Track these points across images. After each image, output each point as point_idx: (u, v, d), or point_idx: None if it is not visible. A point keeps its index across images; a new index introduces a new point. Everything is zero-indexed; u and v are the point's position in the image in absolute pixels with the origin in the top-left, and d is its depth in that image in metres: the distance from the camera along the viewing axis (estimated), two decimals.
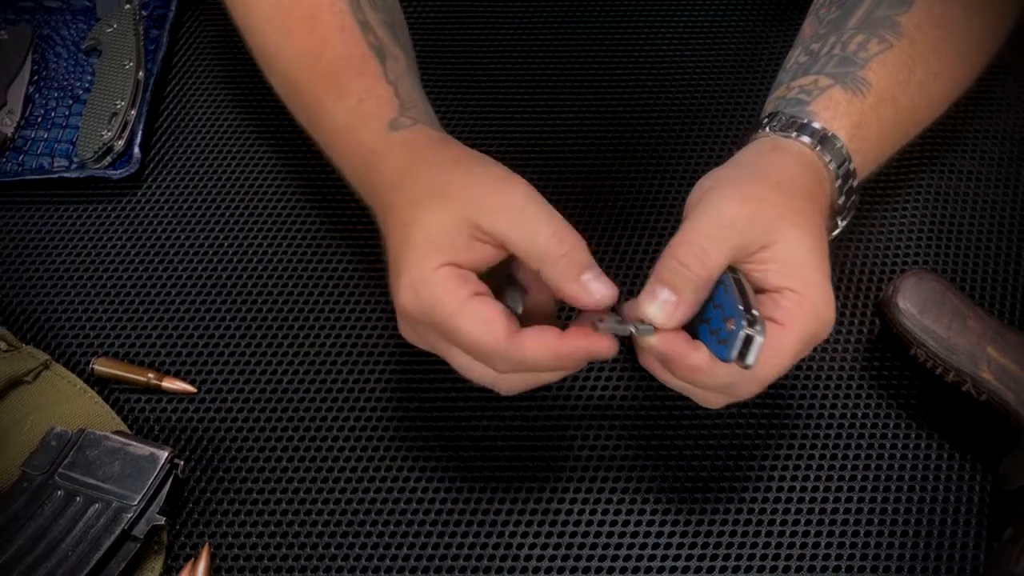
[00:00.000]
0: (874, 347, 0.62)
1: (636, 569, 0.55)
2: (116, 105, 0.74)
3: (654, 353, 0.49)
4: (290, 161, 0.73)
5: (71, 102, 0.76)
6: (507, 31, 0.79)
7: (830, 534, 0.56)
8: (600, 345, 0.48)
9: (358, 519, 0.57)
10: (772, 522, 0.56)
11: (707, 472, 0.58)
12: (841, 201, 0.56)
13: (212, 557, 0.56)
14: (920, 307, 0.57)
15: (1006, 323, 0.57)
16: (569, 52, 0.78)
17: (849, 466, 0.58)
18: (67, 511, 0.54)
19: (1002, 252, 0.66)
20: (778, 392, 0.61)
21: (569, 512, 0.57)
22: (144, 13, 0.80)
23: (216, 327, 0.65)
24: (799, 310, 0.49)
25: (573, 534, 0.57)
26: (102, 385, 0.63)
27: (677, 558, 0.56)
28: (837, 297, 0.63)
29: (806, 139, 0.55)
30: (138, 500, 0.54)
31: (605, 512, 0.57)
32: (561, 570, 0.56)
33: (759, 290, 0.50)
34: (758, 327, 0.45)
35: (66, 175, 0.72)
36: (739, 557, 0.55)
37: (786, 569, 0.55)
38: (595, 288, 0.48)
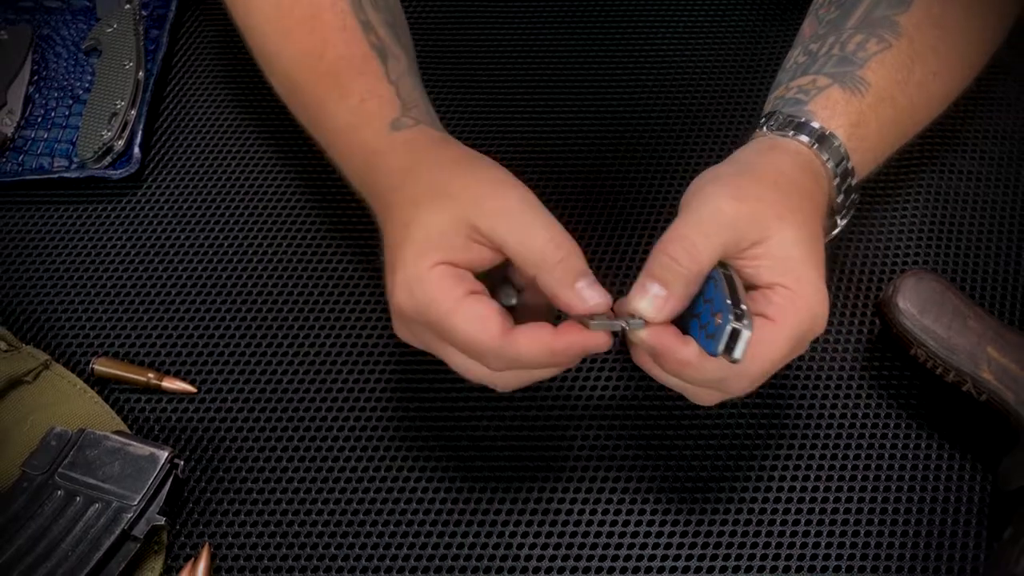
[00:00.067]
0: (874, 347, 0.62)
1: (636, 569, 0.55)
2: (116, 105, 0.74)
3: (644, 347, 0.49)
4: (290, 161, 0.73)
5: (71, 102, 0.76)
6: (507, 31, 0.79)
7: (830, 534, 0.56)
8: (594, 340, 0.48)
9: (358, 519, 0.57)
10: (772, 522, 0.56)
11: (707, 472, 0.58)
12: (840, 200, 0.56)
13: (212, 557, 0.56)
14: (920, 307, 0.57)
15: (1006, 323, 0.57)
16: (569, 52, 0.78)
17: (849, 466, 0.58)
18: (67, 511, 0.54)
19: (1002, 252, 0.66)
20: (778, 392, 0.61)
21: (569, 512, 0.57)
22: (144, 13, 0.80)
23: (216, 327, 0.65)
24: (791, 306, 0.49)
25: (573, 534, 0.57)
26: (102, 385, 0.63)
27: (677, 558, 0.56)
28: (837, 297, 0.64)
29: (804, 138, 0.55)
30: (138, 500, 0.54)
31: (605, 512, 0.57)
32: (561, 570, 0.56)
33: (752, 287, 0.50)
34: (745, 321, 0.45)
35: (66, 175, 0.72)
36: (739, 557, 0.55)
37: (786, 569, 0.55)
38: (589, 295, 0.48)
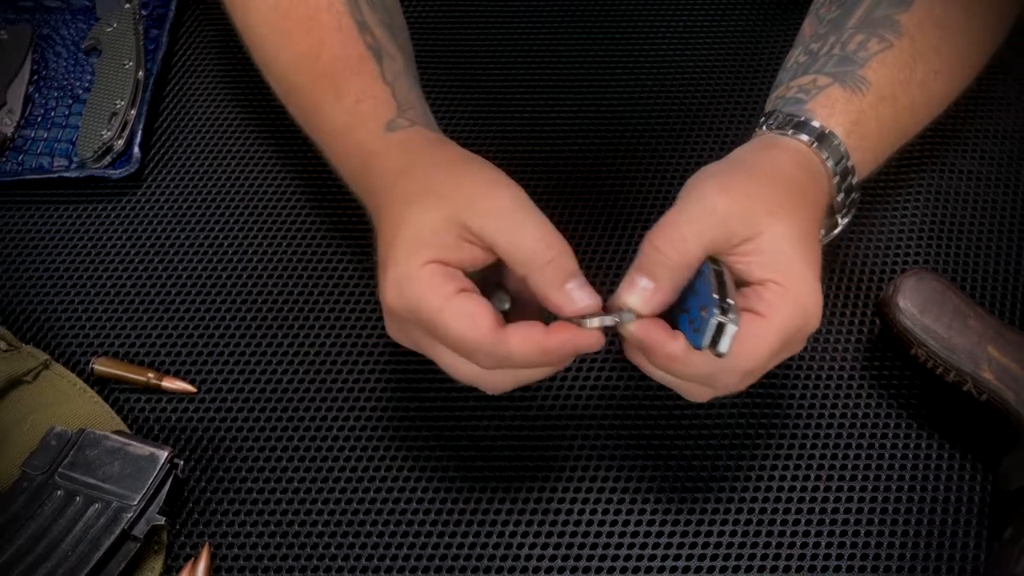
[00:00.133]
0: (874, 347, 0.62)
1: (636, 569, 0.55)
2: (116, 105, 0.74)
3: (633, 341, 0.49)
4: (290, 161, 0.73)
5: (71, 102, 0.76)
6: (506, 31, 0.79)
7: (830, 534, 0.56)
8: (587, 338, 0.48)
9: (358, 519, 0.57)
10: (772, 522, 0.56)
11: (707, 472, 0.58)
12: (840, 199, 0.56)
13: (212, 557, 0.56)
14: (921, 307, 0.57)
15: (1007, 323, 0.57)
16: (569, 52, 0.78)
17: (849, 466, 0.58)
18: (67, 511, 0.54)
19: (1003, 252, 0.66)
20: (778, 392, 0.61)
21: (569, 512, 0.57)
22: (144, 12, 0.80)
23: (216, 327, 0.65)
24: (781, 302, 0.49)
25: (573, 534, 0.57)
26: (102, 385, 0.63)
27: (677, 558, 0.56)
28: (838, 297, 0.64)
29: (803, 137, 0.55)
30: (138, 500, 0.54)
31: (605, 512, 0.57)
32: (562, 570, 0.56)
33: (744, 283, 0.50)
34: (731, 315, 0.45)
35: (66, 175, 0.72)
36: (739, 557, 0.55)
37: (786, 569, 0.55)
38: (578, 297, 0.48)
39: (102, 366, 0.62)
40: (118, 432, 0.57)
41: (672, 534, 0.56)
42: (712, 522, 0.57)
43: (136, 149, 0.72)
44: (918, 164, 0.70)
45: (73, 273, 0.68)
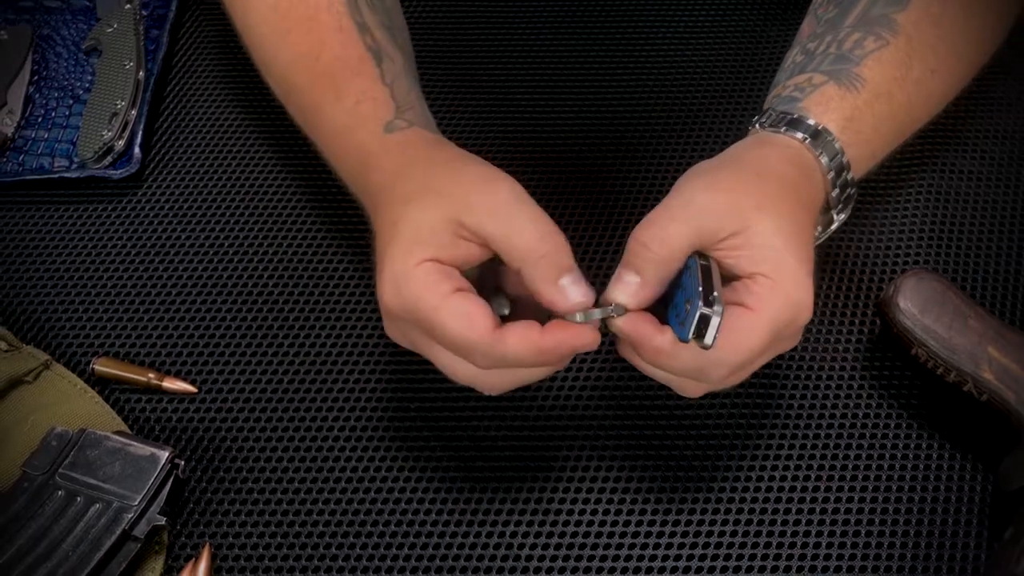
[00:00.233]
0: (875, 347, 0.62)
1: (637, 569, 0.55)
2: (116, 105, 0.74)
3: (621, 335, 0.49)
4: (291, 161, 0.73)
5: (71, 102, 0.76)
6: (507, 31, 0.79)
7: (831, 534, 0.56)
8: (581, 338, 0.48)
9: (359, 519, 0.57)
10: (773, 522, 0.56)
11: (708, 472, 0.58)
12: (835, 195, 0.56)
13: (213, 557, 0.56)
14: (921, 307, 0.57)
15: (1007, 323, 0.58)
16: (569, 52, 0.78)
17: (850, 466, 0.58)
18: (68, 511, 0.54)
19: (1003, 252, 0.66)
20: (779, 392, 0.61)
21: (570, 512, 0.57)
22: (144, 13, 0.80)
23: (217, 327, 0.65)
24: (770, 295, 0.49)
25: (574, 534, 0.57)
26: (103, 385, 0.63)
27: (678, 558, 0.56)
28: (838, 297, 0.64)
29: (797, 134, 0.55)
30: (139, 500, 0.54)
31: (606, 512, 0.57)
32: (562, 570, 0.56)
33: (733, 277, 0.50)
34: (716, 307, 0.46)
35: (66, 175, 0.72)
36: (739, 557, 0.55)
37: (787, 569, 0.55)
38: (572, 292, 0.48)
39: (103, 366, 0.62)
40: (119, 432, 0.58)
41: (672, 534, 0.56)
42: (712, 522, 0.57)
43: (137, 149, 0.72)
44: (918, 164, 0.70)
45: (74, 273, 0.68)
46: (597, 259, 0.67)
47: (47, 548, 0.53)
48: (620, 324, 0.49)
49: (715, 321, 0.45)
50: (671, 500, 0.57)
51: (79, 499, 0.55)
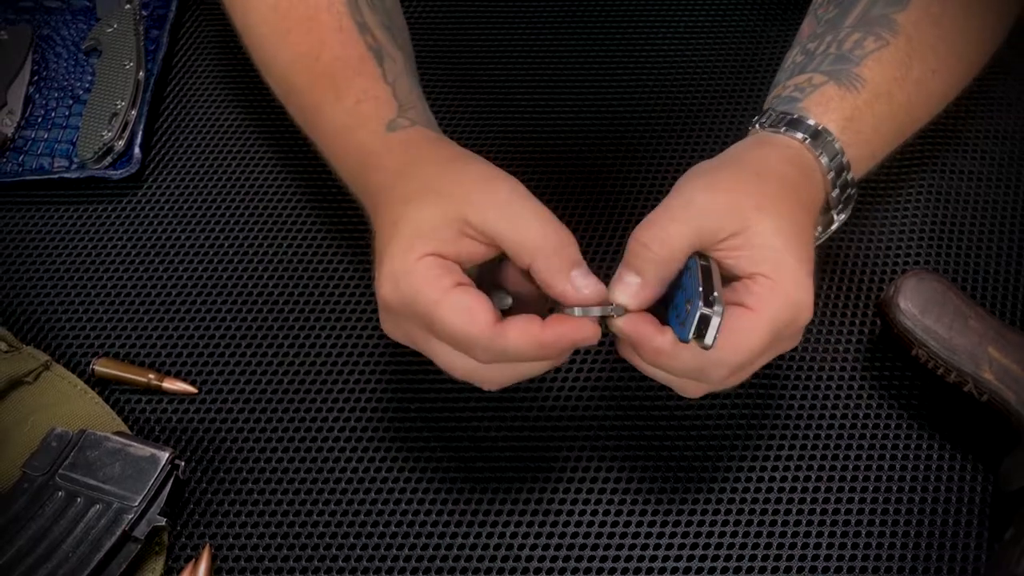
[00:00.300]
0: (875, 347, 0.62)
1: (637, 570, 0.55)
2: (116, 105, 0.74)
3: (622, 336, 0.49)
4: (291, 161, 0.73)
5: (71, 102, 0.76)
6: (507, 31, 0.79)
7: (831, 534, 0.56)
8: (582, 332, 0.48)
9: (359, 519, 0.57)
10: (773, 522, 0.56)
11: (708, 472, 0.58)
12: (835, 195, 0.56)
13: (213, 558, 0.56)
14: (921, 307, 0.57)
15: (1007, 323, 0.58)
16: (569, 52, 0.78)
17: (850, 466, 0.58)
18: (68, 512, 0.54)
19: (1003, 252, 0.66)
20: (779, 392, 0.61)
21: (570, 513, 0.57)
22: (144, 13, 0.80)
23: (217, 328, 0.65)
24: (770, 295, 0.49)
25: (574, 534, 0.57)
26: (103, 386, 0.63)
27: (678, 558, 0.56)
28: (838, 297, 0.64)
29: (797, 135, 0.55)
30: (139, 501, 0.54)
31: (606, 513, 0.57)
32: (562, 571, 0.56)
33: (733, 277, 0.50)
34: (716, 308, 0.46)
35: (66, 175, 0.72)
36: (740, 558, 0.55)
37: (787, 570, 0.55)
38: (582, 284, 0.48)
39: (103, 367, 0.62)
40: (119, 433, 0.57)
41: (673, 535, 0.56)
42: (713, 522, 0.57)
43: (136, 150, 0.72)
44: (918, 164, 0.70)
45: (74, 274, 0.68)
46: (597, 259, 0.67)
47: (47, 549, 0.53)
48: (620, 324, 0.49)
49: (715, 321, 0.45)
50: (671, 501, 0.57)
51: (79, 500, 0.55)
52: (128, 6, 0.79)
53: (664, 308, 0.50)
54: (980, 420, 0.58)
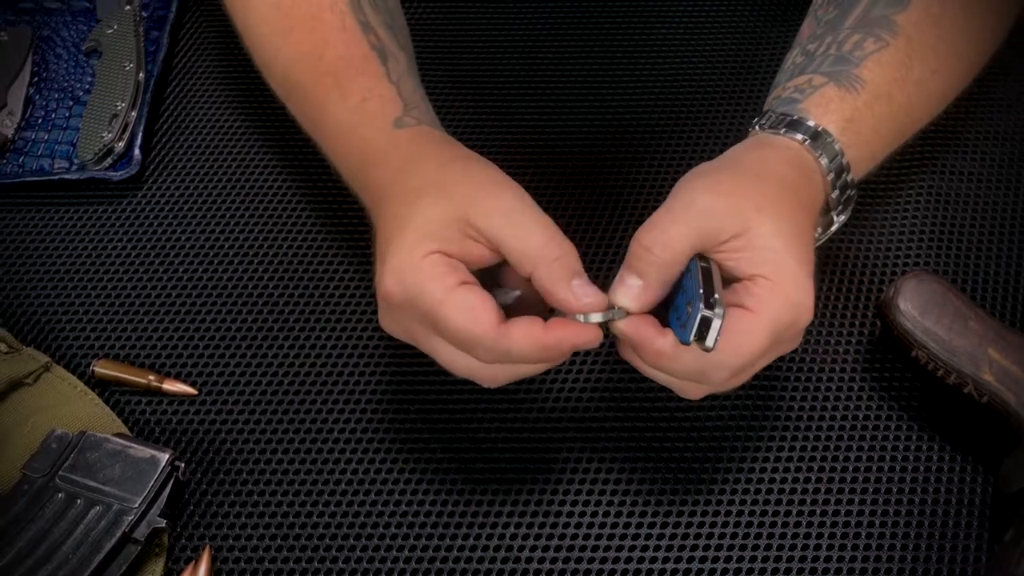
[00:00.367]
0: (875, 349, 0.62)
1: (637, 572, 0.55)
2: (116, 106, 0.74)
3: (623, 338, 0.49)
4: (291, 163, 0.73)
5: (71, 103, 0.76)
6: (507, 32, 0.79)
7: (831, 536, 0.56)
8: (584, 336, 0.48)
9: (359, 521, 0.57)
10: (773, 524, 0.56)
11: (708, 474, 0.58)
12: (835, 196, 0.56)
13: (213, 560, 0.56)
14: (921, 309, 0.57)
15: (1007, 325, 0.57)
16: (569, 53, 0.78)
17: (850, 468, 0.58)
18: (68, 514, 0.54)
19: (1003, 253, 0.66)
20: (779, 394, 0.61)
21: (570, 514, 0.57)
22: (144, 14, 0.80)
23: (217, 329, 0.65)
24: (770, 296, 0.49)
25: (574, 536, 0.57)
26: (103, 387, 0.63)
27: (678, 560, 0.56)
28: (838, 299, 0.64)
29: (797, 136, 0.55)
30: (139, 503, 0.54)
31: (606, 514, 0.57)
32: (562, 572, 0.56)
33: (734, 279, 0.50)
34: (717, 310, 0.46)
35: (66, 177, 0.72)
36: (740, 559, 0.55)
37: (787, 571, 0.55)
38: (583, 293, 0.48)
39: (103, 368, 0.62)
40: (119, 435, 0.57)
41: (673, 536, 0.56)
42: (713, 524, 0.57)
43: (136, 151, 0.72)
44: (918, 166, 0.70)
45: (74, 275, 0.68)
46: (598, 259, 0.67)
47: (47, 551, 0.53)
48: (622, 327, 0.49)
49: (716, 324, 0.45)
50: (671, 502, 0.57)
51: (79, 501, 0.55)
52: (128, 7, 0.79)
53: (664, 310, 0.50)
54: (980, 421, 0.58)
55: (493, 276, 0.53)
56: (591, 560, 0.56)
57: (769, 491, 0.58)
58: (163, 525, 0.55)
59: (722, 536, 0.56)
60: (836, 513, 0.57)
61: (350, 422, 0.61)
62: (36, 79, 0.78)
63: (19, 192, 0.72)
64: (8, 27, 0.80)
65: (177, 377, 0.63)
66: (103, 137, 0.72)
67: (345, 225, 0.69)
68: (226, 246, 0.69)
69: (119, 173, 0.72)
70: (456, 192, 0.50)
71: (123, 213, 0.71)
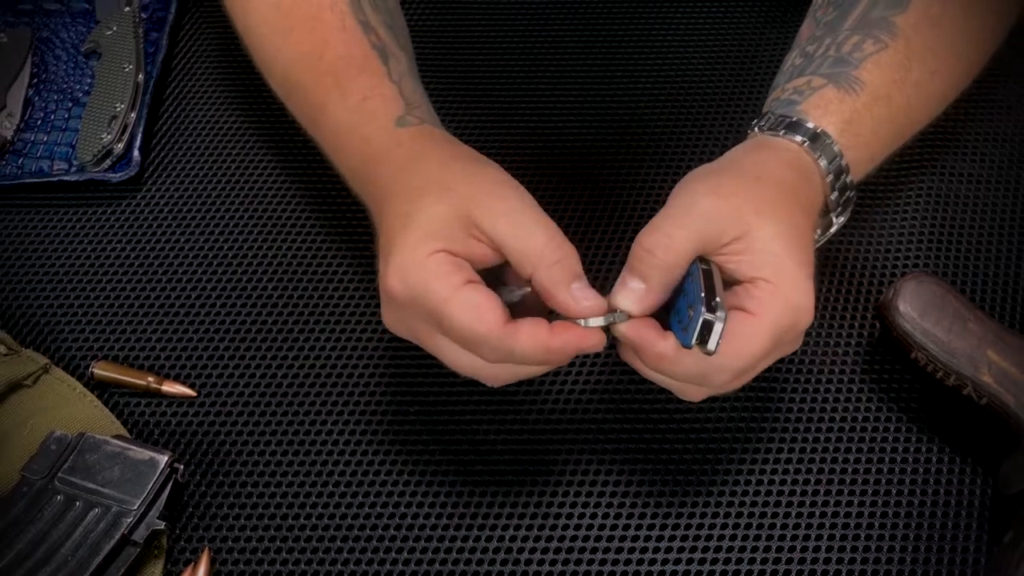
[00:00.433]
0: (874, 350, 0.62)
1: (637, 574, 0.55)
2: (116, 108, 0.74)
3: (625, 340, 0.49)
4: (290, 164, 0.73)
5: (71, 105, 0.76)
6: (507, 32, 0.79)
7: (831, 538, 0.56)
8: (588, 340, 0.48)
9: (358, 523, 0.57)
10: (772, 526, 0.56)
11: (707, 476, 0.58)
12: (834, 197, 0.56)
13: (212, 562, 0.56)
14: (920, 310, 0.57)
15: (1006, 326, 0.57)
16: (569, 53, 0.78)
17: (850, 470, 0.58)
18: (67, 515, 0.54)
19: (1002, 255, 0.66)
20: (778, 395, 0.61)
21: (569, 516, 0.57)
22: (143, 16, 0.80)
23: (216, 331, 0.65)
24: (771, 299, 0.49)
25: (573, 538, 0.57)
26: (102, 389, 0.63)
27: (678, 562, 0.56)
28: (837, 300, 0.64)
29: (796, 138, 0.55)
30: (138, 504, 0.54)
31: (605, 516, 0.57)
32: (562, 574, 0.56)
33: (734, 282, 0.50)
34: (719, 313, 0.46)
35: (65, 178, 0.72)
36: (739, 561, 0.55)
37: (787, 573, 0.55)
38: (582, 296, 0.48)
39: (102, 370, 0.62)
40: (118, 436, 0.58)
41: (672, 538, 0.56)
42: (712, 526, 0.57)
43: (136, 152, 0.72)
44: (918, 167, 0.70)
45: (73, 277, 0.68)
46: (598, 261, 0.67)
47: (46, 552, 0.53)
48: (624, 330, 0.49)
49: (718, 327, 0.45)
50: (671, 504, 0.57)
51: (78, 503, 0.55)
52: (127, 8, 0.79)
53: (665, 312, 0.50)
54: (979, 423, 0.58)
55: (497, 275, 0.53)
56: (591, 562, 0.56)
57: (769, 493, 0.58)
58: (162, 527, 0.55)
59: (721, 538, 0.56)
60: (836, 515, 0.57)
61: (349, 424, 0.61)
62: (35, 80, 0.78)
63: (18, 194, 0.72)
64: (7, 28, 0.80)
65: (176, 379, 0.63)
66: (102, 138, 0.72)
67: (344, 227, 0.69)
68: (225, 247, 0.69)
69: (118, 175, 0.72)
70: (459, 191, 0.50)
71: (122, 215, 0.71)
